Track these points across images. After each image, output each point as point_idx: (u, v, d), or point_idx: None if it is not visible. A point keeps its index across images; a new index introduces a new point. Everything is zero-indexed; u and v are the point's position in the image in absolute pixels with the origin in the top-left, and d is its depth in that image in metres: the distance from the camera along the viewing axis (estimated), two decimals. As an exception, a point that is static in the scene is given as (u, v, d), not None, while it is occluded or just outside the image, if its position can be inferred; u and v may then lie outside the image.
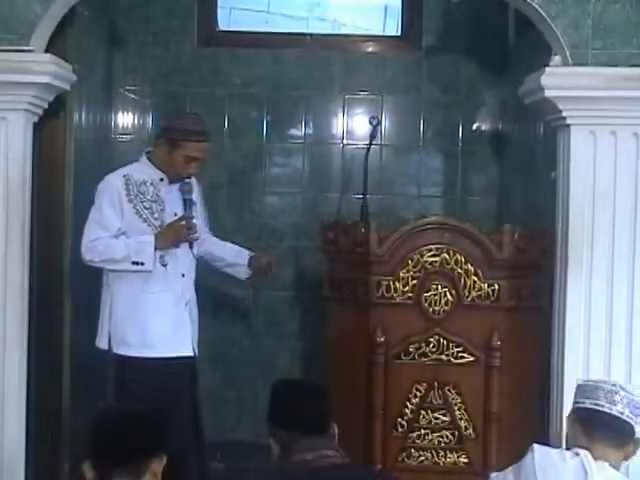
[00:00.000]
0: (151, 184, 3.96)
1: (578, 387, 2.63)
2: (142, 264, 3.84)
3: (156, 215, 3.92)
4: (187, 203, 3.97)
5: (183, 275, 3.97)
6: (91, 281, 4.69)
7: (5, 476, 3.55)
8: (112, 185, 3.92)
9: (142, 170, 3.98)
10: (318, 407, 2.79)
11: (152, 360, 3.89)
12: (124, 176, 3.95)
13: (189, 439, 3.92)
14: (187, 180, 3.98)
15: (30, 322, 3.71)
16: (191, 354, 3.98)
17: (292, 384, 3.09)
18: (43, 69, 3.51)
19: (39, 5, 3.53)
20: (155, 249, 3.86)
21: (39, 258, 3.98)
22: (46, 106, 3.71)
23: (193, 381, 4.04)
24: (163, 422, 2.50)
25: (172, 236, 3.90)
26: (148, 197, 3.94)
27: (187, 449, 3.90)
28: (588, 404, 2.54)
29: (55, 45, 3.77)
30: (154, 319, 3.92)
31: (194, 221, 3.96)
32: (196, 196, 4.09)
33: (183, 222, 3.91)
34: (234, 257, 4.22)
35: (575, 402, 2.61)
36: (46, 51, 3.62)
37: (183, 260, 3.97)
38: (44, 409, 4.07)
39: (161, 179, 3.98)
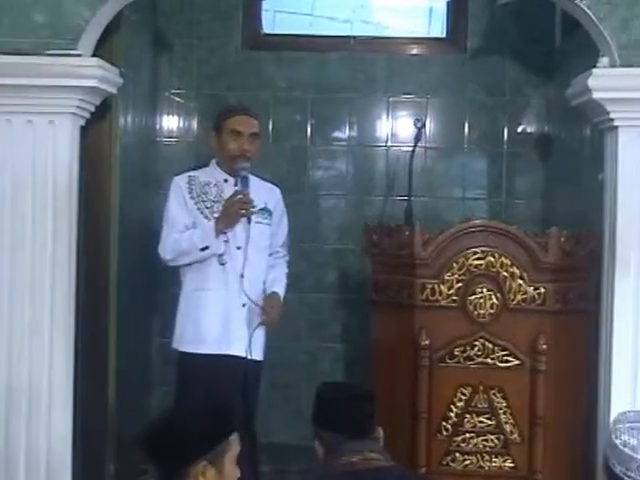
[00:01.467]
0: (215, 185, 4.03)
1: (609, 443, 2.20)
2: (208, 248, 3.89)
3: (217, 215, 3.94)
4: (242, 180, 3.95)
5: (242, 276, 3.97)
6: (138, 282, 4.74)
7: (52, 476, 3.58)
8: (177, 185, 4.03)
9: (208, 173, 4.07)
10: (363, 409, 2.78)
11: (203, 356, 3.92)
12: (189, 176, 4.05)
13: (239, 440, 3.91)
14: (246, 161, 3.97)
15: (77, 324, 3.74)
16: (242, 354, 3.95)
17: (337, 386, 3.09)
18: (90, 73, 3.54)
19: (87, 10, 3.55)
20: (219, 233, 3.89)
21: (86, 260, 4.01)
22: (93, 109, 3.73)
23: (247, 382, 3.98)
24: (196, 430, 2.42)
25: (225, 212, 3.91)
26: (211, 197, 4.01)
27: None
28: (619, 471, 2.16)
29: (102, 49, 3.79)
30: (207, 316, 3.95)
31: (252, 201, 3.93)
32: (273, 206, 4.12)
33: (238, 197, 3.91)
34: (267, 284, 4.15)
35: (607, 457, 2.21)
36: (93, 55, 3.64)
37: (241, 262, 3.95)
38: (90, 411, 4.10)
39: (225, 180, 4.03)
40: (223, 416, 2.49)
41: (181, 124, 5.51)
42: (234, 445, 2.47)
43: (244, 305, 3.97)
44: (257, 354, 4.02)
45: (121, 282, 4.44)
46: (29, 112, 3.54)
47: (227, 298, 3.95)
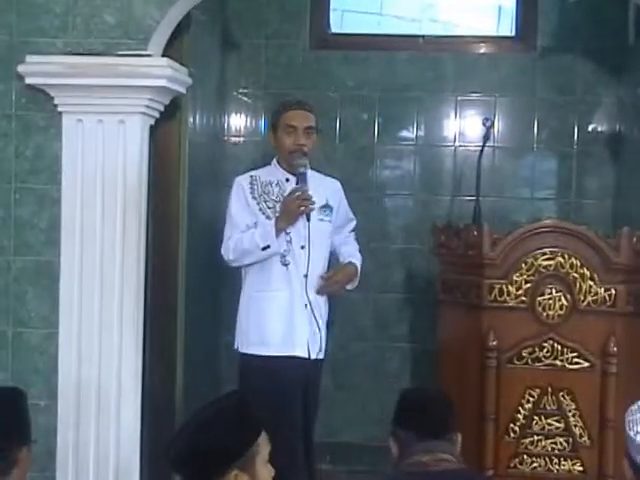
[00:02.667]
0: (276, 184, 4.02)
1: (627, 435, 2.30)
2: (269, 247, 3.87)
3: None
4: (300, 176, 3.92)
5: (305, 276, 3.97)
6: (206, 279, 4.77)
7: (121, 473, 3.62)
8: (238, 185, 4.04)
9: (270, 172, 4.07)
10: (440, 411, 2.80)
11: (267, 358, 3.92)
12: (251, 176, 4.06)
13: (297, 441, 3.91)
14: (303, 156, 3.95)
15: (145, 320, 3.78)
16: (305, 355, 3.95)
17: (421, 389, 3.19)
18: (160, 73, 3.57)
19: (157, 11, 3.59)
20: (279, 231, 3.87)
21: (155, 258, 4.05)
22: (162, 109, 3.77)
23: (307, 383, 3.98)
24: (221, 441, 2.30)
25: (285, 210, 3.88)
26: (272, 197, 3.99)
27: (295, 451, 3.90)
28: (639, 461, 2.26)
29: (172, 49, 3.84)
30: (271, 317, 3.95)
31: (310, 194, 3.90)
32: (334, 201, 4.10)
33: (297, 194, 3.89)
34: (342, 258, 4.18)
35: (628, 450, 2.31)
36: (163, 55, 3.68)
37: (305, 261, 3.96)
38: (158, 408, 4.14)
39: (287, 179, 4.01)
40: (248, 421, 2.35)
41: (248, 123, 5.54)
42: (263, 446, 2.36)
43: (306, 305, 3.97)
44: (317, 353, 4.01)
45: (189, 279, 4.48)
46: (100, 112, 3.59)
47: (290, 299, 3.94)
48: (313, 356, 3.98)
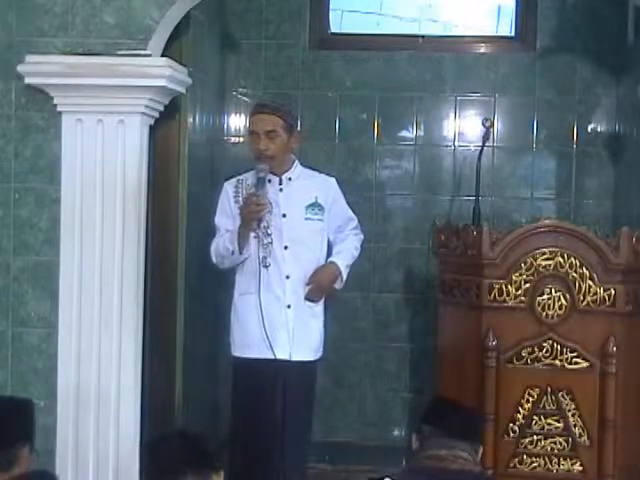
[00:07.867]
0: None
1: None
2: (234, 252, 3.90)
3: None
4: (258, 181, 3.90)
5: (288, 277, 3.95)
6: (205, 279, 4.77)
7: (121, 474, 3.62)
8: (225, 190, 4.07)
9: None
10: (471, 418, 2.85)
11: (245, 360, 3.94)
12: (237, 180, 4.06)
13: (269, 442, 3.88)
14: (263, 162, 3.93)
15: (145, 320, 3.78)
16: (281, 358, 3.90)
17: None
18: (160, 73, 3.57)
19: (156, 11, 3.59)
20: (243, 236, 3.86)
21: (154, 257, 4.05)
22: (162, 109, 3.77)
23: (288, 385, 3.92)
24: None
25: (242, 215, 3.88)
26: None
27: (266, 450, 3.89)
28: None
29: (171, 49, 3.84)
30: (246, 320, 3.95)
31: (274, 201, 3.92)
32: (324, 199, 4.04)
33: (253, 199, 3.86)
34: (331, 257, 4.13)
35: None
36: (163, 55, 3.68)
37: (288, 262, 3.95)
38: (157, 410, 4.14)
39: (269, 180, 3.98)
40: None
41: (247, 123, 5.52)
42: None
43: (289, 306, 3.95)
44: (302, 355, 3.97)
45: (189, 279, 4.48)
46: (99, 111, 3.59)
47: (269, 301, 3.90)
48: (297, 358, 3.94)
